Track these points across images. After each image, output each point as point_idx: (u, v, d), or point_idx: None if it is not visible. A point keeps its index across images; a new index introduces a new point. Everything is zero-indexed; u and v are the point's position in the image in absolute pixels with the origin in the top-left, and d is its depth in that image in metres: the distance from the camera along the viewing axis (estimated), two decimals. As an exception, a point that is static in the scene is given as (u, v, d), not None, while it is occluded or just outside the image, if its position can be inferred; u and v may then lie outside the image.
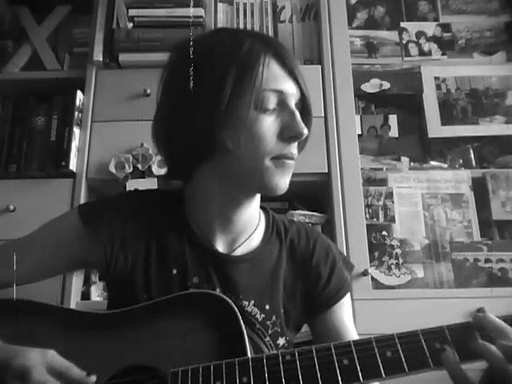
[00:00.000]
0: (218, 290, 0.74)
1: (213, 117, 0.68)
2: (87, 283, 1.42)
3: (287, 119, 0.70)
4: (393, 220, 1.44)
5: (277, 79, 0.70)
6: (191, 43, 0.75)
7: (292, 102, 0.72)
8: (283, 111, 0.71)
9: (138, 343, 0.65)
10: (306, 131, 0.70)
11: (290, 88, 0.71)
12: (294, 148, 0.72)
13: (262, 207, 0.85)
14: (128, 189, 1.40)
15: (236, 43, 0.71)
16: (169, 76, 0.76)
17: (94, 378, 0.61)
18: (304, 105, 0.74)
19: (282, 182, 0.72)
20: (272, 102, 0.70)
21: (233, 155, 0.70)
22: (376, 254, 1.40)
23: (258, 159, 0.69)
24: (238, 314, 0.65)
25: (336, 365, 0.56)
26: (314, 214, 1.44)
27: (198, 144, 0.71)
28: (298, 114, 0.71)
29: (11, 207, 1.41)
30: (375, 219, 1.44)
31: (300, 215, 1.42)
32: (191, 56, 0.73)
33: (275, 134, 0.70)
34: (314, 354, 0.57)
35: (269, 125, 0.69)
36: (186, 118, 0.71)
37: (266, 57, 0.70)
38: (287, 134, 0.70)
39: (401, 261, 1.40)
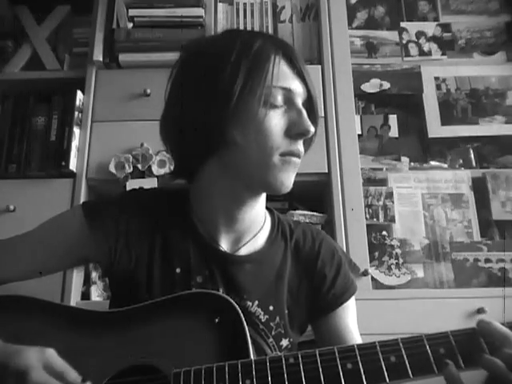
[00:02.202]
0: (221, 290, 0.74)
1: (223, 111, 0.69)
2: (87, 283, 1.42)
3: (294, 116, 0.71)
4: (393, 220, 1.44)
5: (285, 77, 0.71)
6: (202, 42, 0.77)
7: (299, 101, 0.73)
8: (290, 109, 0.72)
9: (140, 343, 0.65)
10: (312, 128, 0.71)
11: (297, 87, 0.72)
12: (300, 145, 0.73)
13: (267, 208, 0.85)
14: (128, 189, 1.40)
15: (247, 42, 0.72)
16: (179, 74, 0.76)
17: None
18: (311, 105, 0.75)
19: (288, 181, 0.72)
20: (280, 99, 0.71)
21: (240, 151, 0.70)
22: (376, 254, 1.40)
23: (265, 155, 0.70)
24: (241, 314, 0.64)
25: (340, 369, 0.55)
26: (314, 214, 1.44)
27: (207, 139, 0.71)
28: (304, 111, 0.72)
29: (11, 207, 1.41)
30: (375, 219, 1.44)
31: (300, 215, 1.42)
32: (203, 54, 0.74)
33: (282, 131, 0.70)
34: (318, 357, 0.57)
35: (276, 121, 0.70)
36: (196, 114, 0.71)
37: (277, 56, 0.71)
38: (294, 130, 0.71)
39: (401, 261, 1.40)
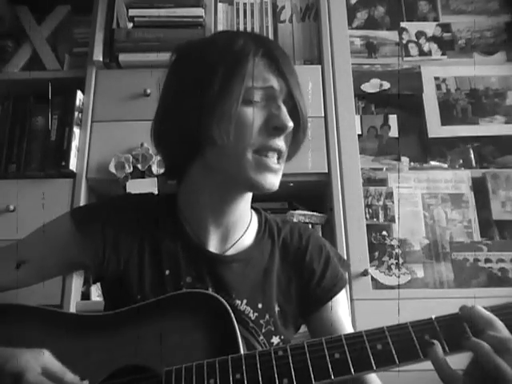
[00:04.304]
0: (210, 289, 0.74)
1: (201, 111, 0.69)
2: (87, 283, 1.42)
3: (272, 111, 0.71)
4: (393, 220, 1.44)
5: (264, 77, 0.71)
6: (188, 45, 0.78)
7: (279, 98, 0.73)
8: (269, 104, 0.72)
9: (132, 344, 0.65)
10: (290, 123, 0.71)
11: (276, 84, 0.72)
12: (279, 141, 0.72)
13: (254, 208, 0.86)
14: (128, 189, 1.41)
15: (228, 43, 0.73)
16: (165, 78, 0.78)
17: (86, 383, 0.61)
18: (292, 102, 0.74)
19: (268, 181, 0.72)
20: (258, 95, 0.71)
21: (219, 150, 0.71)
22: (376, 253, 1.40)
23: (240, 151, 0.70)
24: (231, 312, 0.65)
25: (327, 359, 0.56)
26: (314, 214, 1.44)
27: (187, 139, 0.72)
28: (283, 107, 0.72)
29: (11, 207, 1.41)
30: (375, 219, 1.44)
31: (300, 215, 1.42)
32: (186, 58, 0.76)
33: (259, 126, 0.71)
34: (306, 348, 0.57)
35: (253, 116, 0.70)
36: (177, 115, 0.73)
37: (256, 55, 0.71)
38: (271, 124, 0.71)
39: (401, 261, 1.40)
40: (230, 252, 0.79)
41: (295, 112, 0.74)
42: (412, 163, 1.51)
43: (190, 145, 0.73)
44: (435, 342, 0.54)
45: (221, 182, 0.75)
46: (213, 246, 0.79)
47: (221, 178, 0.75)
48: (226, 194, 0.77)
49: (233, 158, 0.71)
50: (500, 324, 0.54)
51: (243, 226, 0.82)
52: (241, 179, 0.72)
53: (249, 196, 0.81)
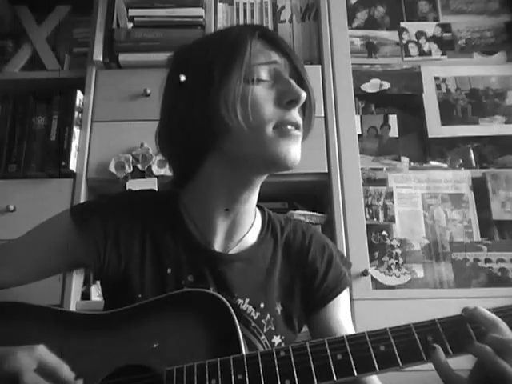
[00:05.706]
0: (212, 288, 0.74)
1: (207, 100, 0.69)
2: (87, 283, 1.42)
3: (283, 86, 0.71)
4: (393, 220, 1.44)
5: (265, 54, 0.72)
6: (184, 46, 0.78)
7: (284, 73, 0.73)
8: (277, 82, 0.71)
9: (133, 343, 0.65)
10: (303, 93, 0.70)
11: (279, 60, 0.73)
12: (295, 114, 0.72)
13: (258, 206, 0.85)
14: (128, 189, 1.41)
15: (224, 34, 0.75)
16: (165, 83, 0.78)
17: (80, 383, 0.60)
18: (297, 75, 0.74)
19: (291, 153, 0.70)
20: (264, 74, 0.71)
21: (235, 134, 0.69)
22: (376, 254, 1.40)
23: (258, 130, 0.69)
24: (233, 312, 0.64)
25: (330, 359, 0.56)
26: (314, 214, 1.44)
27: (200, 133, 0.71)
28: (292, 81, 0.72)
29: (11, 207, 1.40)
30: (375, 219, 1.44)
31: (300, 215, 1.42)
32: (183, 58, 0.76)
33: (272, 102, 0.70)
34: (308, 349, 0.57)
35: (263, 93, 0.70)
36: (185, 112, 0.72)
37: (253, 37, 0.72)
38: (285, 99, 0.70)
39: (401, 261, 1.40)
40: (233, 250, 0.78)
41: (302, 85, 0.73)
42: (412, 163, 1.51)
43: (204, 138, 0.72)
44: (437, 346, 0.54)
45: (240, 169, 0.73)
46: (217, 244, 0.78)
47: (241, 164, 0.73)
48: (243, 181, 0.75)
49: (252, 139, 0.69)
50: (504, 325, 0.54)
51: (249, 223, 0.81)
52: (264, 157, 0.70)
53: (258, 188, 0.79)
